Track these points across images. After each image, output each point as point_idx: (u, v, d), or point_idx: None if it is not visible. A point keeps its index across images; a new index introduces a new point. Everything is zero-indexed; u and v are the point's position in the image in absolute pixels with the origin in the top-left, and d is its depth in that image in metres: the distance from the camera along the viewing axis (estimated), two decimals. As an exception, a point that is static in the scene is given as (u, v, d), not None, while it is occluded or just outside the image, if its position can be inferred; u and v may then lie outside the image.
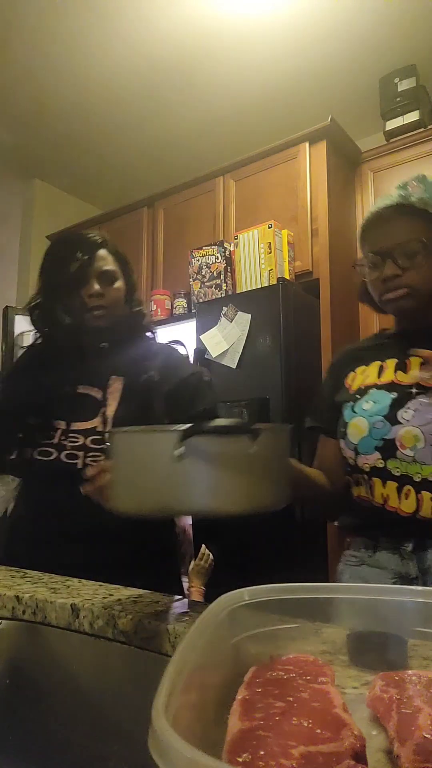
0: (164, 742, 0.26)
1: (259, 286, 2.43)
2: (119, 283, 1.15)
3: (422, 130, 2.54)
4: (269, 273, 2.43)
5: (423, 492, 0.85)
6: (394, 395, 0.92)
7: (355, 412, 0.95)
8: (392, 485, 0.88)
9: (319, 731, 0.33)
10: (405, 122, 2.58)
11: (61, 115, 3.06)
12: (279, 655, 0.44)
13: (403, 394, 0.91)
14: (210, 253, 2.67)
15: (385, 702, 0.37)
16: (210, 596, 0.48)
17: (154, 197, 3.16)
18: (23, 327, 2.81)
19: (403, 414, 0.89)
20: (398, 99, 2.60)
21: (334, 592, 0.49)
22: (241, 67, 2.69)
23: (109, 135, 3.23)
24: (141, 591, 0.74)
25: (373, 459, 0.90)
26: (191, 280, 2.73)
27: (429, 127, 2.55)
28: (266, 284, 2.41)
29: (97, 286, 1.11)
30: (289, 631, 0.47)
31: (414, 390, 0.91)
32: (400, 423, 0.88)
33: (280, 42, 2.55)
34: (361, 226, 0.99)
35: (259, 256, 2.47)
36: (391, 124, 2.62)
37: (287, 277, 2.43)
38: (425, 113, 2.59)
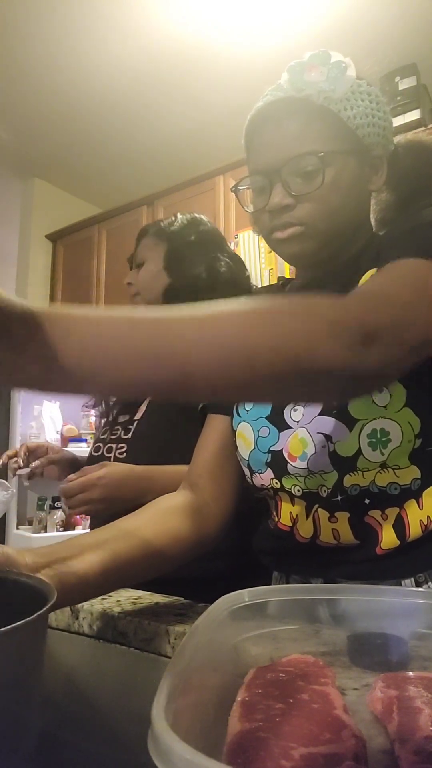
0: (164, 744, 0.26)
1: (259, 286, 2.43)
2: (149, 265, 1.15)
3: (423, 129, 2.53)
4: (269, 272, 2.42)
5: (320, 510, 0.66)
6: None
7: (239, 415, 0.74)
8: (301, 504, 0.68)
9: (319, 732, 0.33)
10: (406, 121, 2.57)
11: (61, 113, 3.06)
12: (279, 657, 0.44)
13: None
14: (210, 252, 2.67)
15: (386, 703, 0.37)
16: (210, 598, 0.48)
17: (154, 196, 3.16)
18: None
19: (292, 413, 0.67)
20: (399, 98, 2.60)
21: (334, 593, 0.49)
22: (241, 65, 2.69)
23: (108, 133, 3.22)
24: (140, 592, 0.74)
25: (267, 478, 0.70)
26: (191, 279, 2.72)
27: (430, 125, 2.54)
28: (266, 283, 2.40)
29: (127, 278, 1.17)
30: (289, 632, 0.47)
31: None
32: (289, 427, 0.67)
33: (280, 40, 2.55)
34: (244, 130, 0.71)
35: (259, 256, 2.47)
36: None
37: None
38: (426, 112, 2.59)
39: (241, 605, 0.46)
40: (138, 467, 0.93)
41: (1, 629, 0.34)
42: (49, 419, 2.76)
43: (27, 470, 1.14)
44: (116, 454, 1.02)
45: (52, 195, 3.79)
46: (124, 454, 1.02)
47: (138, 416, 1.05)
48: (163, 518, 0.69)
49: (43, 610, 0.38)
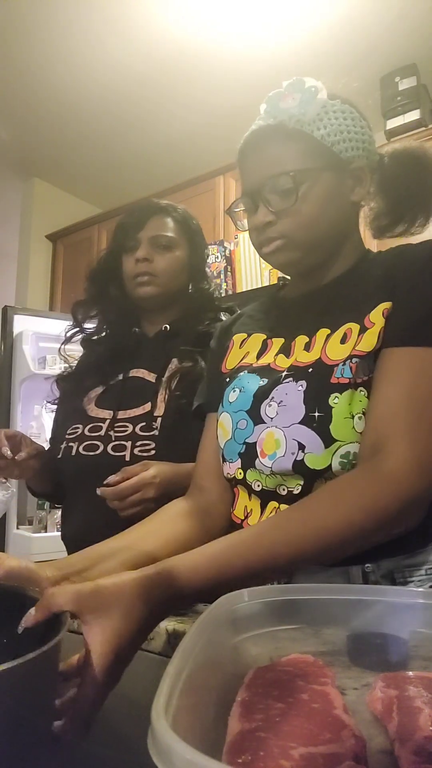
0: (164, 744, 0.26)
1: (259, 286, 2.43)
2: (177, 252, 1.07)
3: (423, 129, 2.54)
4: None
5: (281, 507, 0.68)
6: (263, 381, 0.72)
7: (223, 406, 0.77)
8: (256, 500, 0.71)
9: (319, 732, 0.33)
10: (406, 121, 2.58)
11: (61, 113, 3.06)
12: (279, 656, 0.44)
13: (272, 380, 0.71)
14: (210, 252, 2.67)
15: (386, 703, 0.37)
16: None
17: (153, 196, 3.15)
18: (22, 327, 2.80)
19: (267, 409, 0.70)
20: (399, 98, 2.60)
21: (333, 592, 0.49)
22: (242, 65, 2.69)
23: (108, 133, 3.22)
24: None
25: (234, 468, 0.73)
26: (191, 279, 2.72)
27: (430, 126, 2.55)
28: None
29: (143, 252, 1.05)
30: (289, 632, 0.47)
31: (284, 373, 0.70)
32: (263, 422, 0.70)
33: (279, 41, 2.55)
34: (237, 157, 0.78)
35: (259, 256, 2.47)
36: (392, 123, 2.61)
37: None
38: (426, 112, 2.59)
39: (241, 605, 0.46)
40: (179, 465, 0.90)
41: (12, 662, 0.34)
42: (49, 419, 2.76)
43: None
44: (135, 452, 0.96)
45: (52, 195, 3.79)
46: (152, 451, 0.96)
47: (158, 413, 1.00)
48: (172, 524, 0.72)
49: (55, 640, 0.38)
